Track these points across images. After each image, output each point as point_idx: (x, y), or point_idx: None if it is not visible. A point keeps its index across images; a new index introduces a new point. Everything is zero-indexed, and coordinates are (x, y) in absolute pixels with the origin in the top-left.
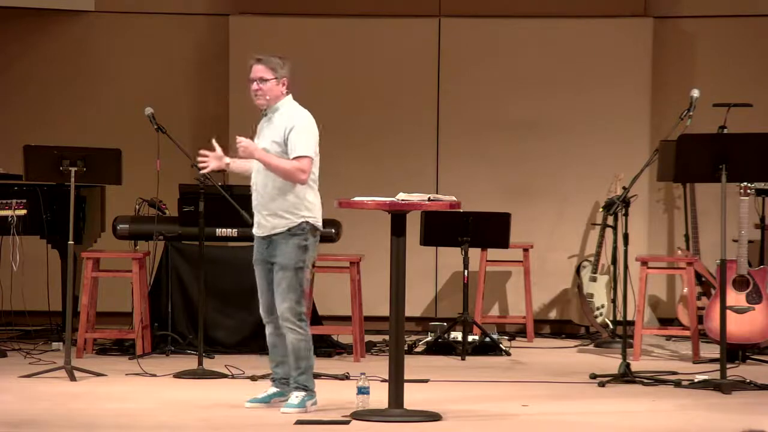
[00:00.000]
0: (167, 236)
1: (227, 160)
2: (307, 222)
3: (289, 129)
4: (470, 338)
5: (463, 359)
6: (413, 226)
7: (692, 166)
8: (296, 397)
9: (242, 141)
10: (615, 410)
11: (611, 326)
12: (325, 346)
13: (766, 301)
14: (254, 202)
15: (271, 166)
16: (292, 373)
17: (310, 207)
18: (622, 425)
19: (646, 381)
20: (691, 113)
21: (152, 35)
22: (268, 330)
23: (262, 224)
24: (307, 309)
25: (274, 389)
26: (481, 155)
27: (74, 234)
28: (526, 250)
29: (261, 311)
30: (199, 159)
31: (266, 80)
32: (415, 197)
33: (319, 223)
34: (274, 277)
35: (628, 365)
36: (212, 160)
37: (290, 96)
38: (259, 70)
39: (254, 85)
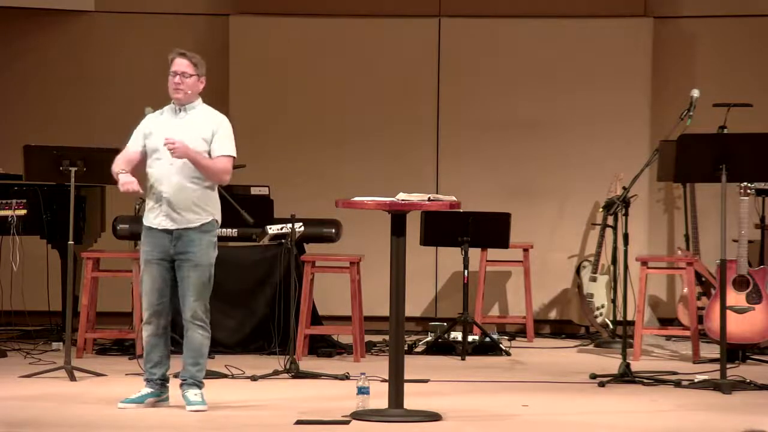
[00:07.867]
0: None
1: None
2: (215, 220)
3: (216, 128)
4: (470, 338)
5: (463, 359)
6: (413, 226)
7: (692, 166)
8: (195, 394)
9: (177, 143)
10: (615, 410)
11: (611, 326)
12: (325, 346)
13: (766, 301)
14: (163, 195)
15: (201, 164)
16: (189, 369)
17: (217, 206)
18: (622, 425)
19: (646, 381)
20: (691, 113)
21: (152, 35)
22: (149, 331)
23: (174, 218)
24: (307, 309)
25: (148, 390)
26: (482, 155)
27: (74, 234)
28: (526, 250)
29: (147, 312)
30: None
31: (189, 75)
32: (415, 197)
33: (220, 223)
34: (182, 274)
35: (628, 365)
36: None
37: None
38: (182, 64)
39: (177, 79)
